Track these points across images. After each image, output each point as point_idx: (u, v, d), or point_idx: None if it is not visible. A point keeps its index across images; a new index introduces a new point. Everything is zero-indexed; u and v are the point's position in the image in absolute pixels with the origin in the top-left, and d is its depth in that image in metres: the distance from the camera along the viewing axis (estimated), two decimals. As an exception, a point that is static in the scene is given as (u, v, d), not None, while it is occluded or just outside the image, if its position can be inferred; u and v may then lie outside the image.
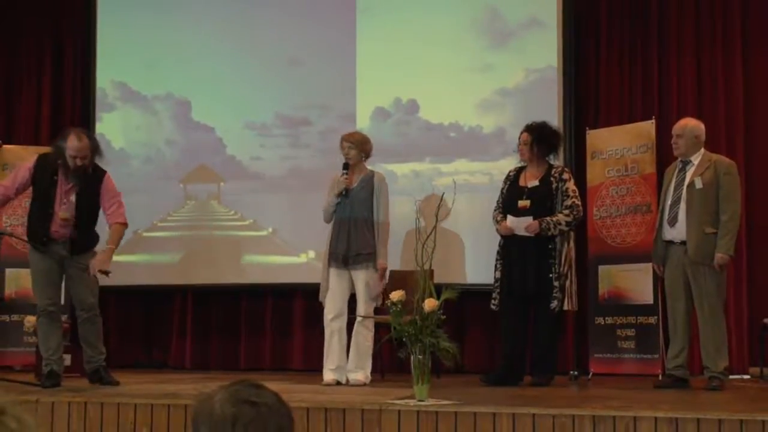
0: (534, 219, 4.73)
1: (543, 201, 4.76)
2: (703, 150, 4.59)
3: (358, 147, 4.87)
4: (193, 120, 6.53)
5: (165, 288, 6.43)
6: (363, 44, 6.16)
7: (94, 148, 4.44)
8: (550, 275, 4.67)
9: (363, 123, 6.11)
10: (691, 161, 4.55)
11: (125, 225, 4.60)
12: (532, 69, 5.85)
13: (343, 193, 4.83)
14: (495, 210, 4.95)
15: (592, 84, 5.95)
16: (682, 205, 4.47)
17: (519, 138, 4.96)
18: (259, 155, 6.40)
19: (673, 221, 4.51)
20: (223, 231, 6.38)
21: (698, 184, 4.44)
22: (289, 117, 6.35)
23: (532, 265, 4.73)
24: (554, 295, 4.67)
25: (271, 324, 6.31)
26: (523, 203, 4.75)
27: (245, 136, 6.42)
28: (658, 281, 5.00)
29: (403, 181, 6.04)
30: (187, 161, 6.51)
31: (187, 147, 6.52)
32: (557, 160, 5.00)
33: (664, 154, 5.24)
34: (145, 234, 6.48)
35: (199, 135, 6.46)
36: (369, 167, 5.03)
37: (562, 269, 4.69)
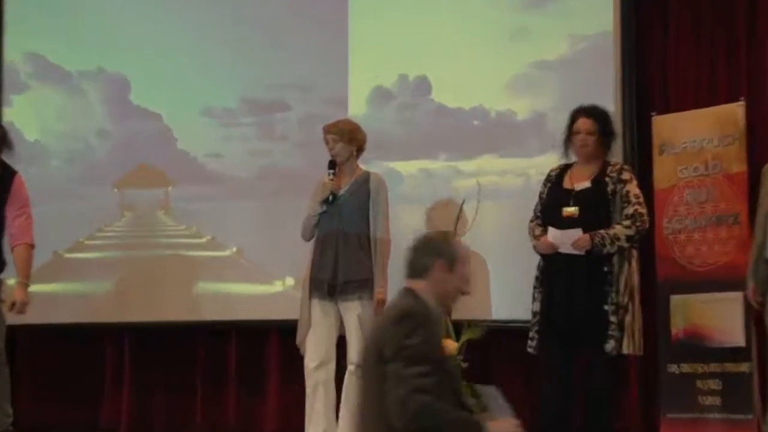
0: (584, 232, 4.67)
1: (596, 208, 4.69)
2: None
3: (346, 139, 4.86)
4: (133, 104, 6.51)
5: (94, 327, 6.39)
6: (357, 4, 6.17)
7: (1, 139, 4.47)
8: (606, 307, 4.60)
9: (357, 108, 6.13)
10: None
11: (33, 246, 4.61)
12: (581, 35, 5.83)
13: (329, 200, 4.82)
14: (532, 221, 4.91)
15: (659, 55, 5.86)
16: (793, 214, 4.69)
17: (572, 125, 4.85)
18: (220, 151, 6.41)
19: (780, 235, 4.74)
20: (171, 251, 6.37)
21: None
22: (259, 101, 6.34)
23: (581, 294, 4.65)
24: (611, 333, 4.59)
25: (235, 374, 6.30)
26: (570, 211, 4.69)
27: (202, 125, 6.42)
28: (752, 315, 4.95)
29: (409, 183, 6.06)
30: (124, 159, 6.48)
31: (125, 140, 6.51)
32: (610, 155, 4.95)
33: (758, 147, 5.21)
34: (67, 255, 6.44)
35: (141, 124, 6.44)
36: (363, 166, 5.03)
37: (621, 299, 4.63)
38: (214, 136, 6.41)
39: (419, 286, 3.16)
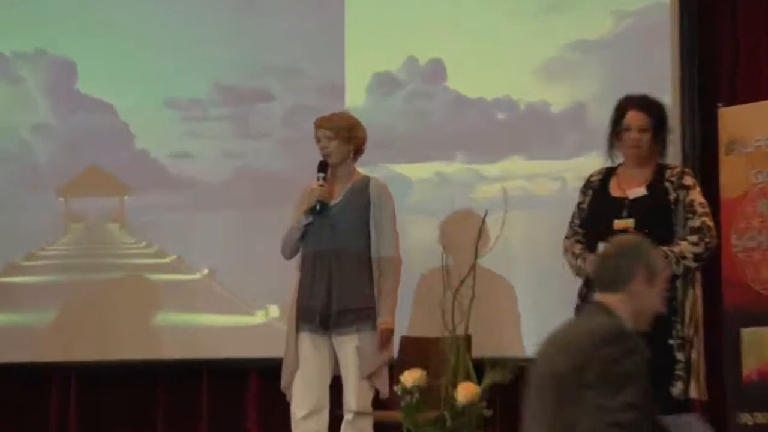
0: (642, 249, 4.83)
1: (656, 220, 4.55)
2: None
3: (342, 136, 4.80)
4: (81, 93, 6.33)
5: (34, 367, 6.19)
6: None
7: None
8: (671, 341, 4.47)
9: (356, 98, 6.02)
10: None
11: None
12: (629, 10, 5.69)
13: (317, 208, 4.75)
14: (568, 237, 4.78)
15: (727, 34, 5.70)
16: None
17: (619, 120, 4.70)
18: (188, 150, 6.24)
19: None
20: (128, 273, 6.23)
21: None
22: (235, 89, 6.18)
23: (638, 326, 4.80)
24: (678, 373, 4.47)
25: (207, 424, 6.10)
26: (624, 223, 4.54)
27: (165, 119, 6.25)
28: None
29: (420, 191, 5.95)
30: (70, 160, 6.30)
31: (71, 137, 6.31)
32: (665, 156, 4.84)
33: None
34: (0, 279, 6.32)
35: (90, 118, 6.26)
36: (361, 170, 4.97)
37: (687, 332, 4.52)
38: (179, 132, 6.24)
39: (614, 300, 3.08)
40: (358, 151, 4.91)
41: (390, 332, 4.73)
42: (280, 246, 4.89)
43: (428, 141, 6.03)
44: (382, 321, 4.68)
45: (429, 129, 6.04)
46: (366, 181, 4.91)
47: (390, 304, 4.73)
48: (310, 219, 4.75)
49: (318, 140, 4.85)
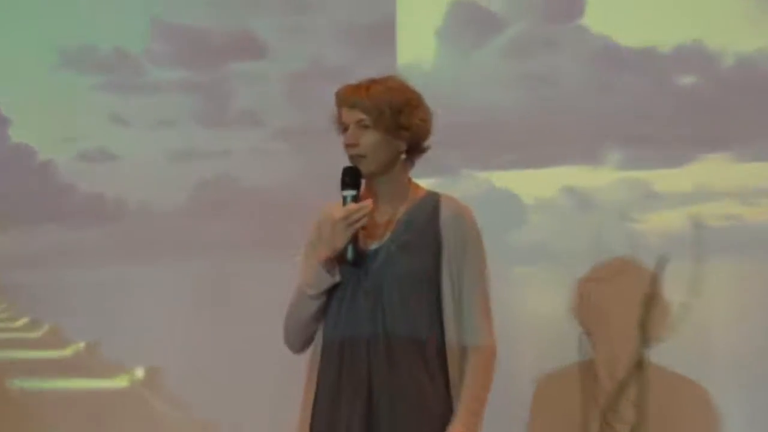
0: None
1: None
2: None
3: (384, 121, 4.21)
4: None
5: None
6: None
7: None
8: None
9: (412, 50, 5.87)
10: None
11: None
12: None
13: (350, 257, 4.08)
14: None
15: None
16: None
17: None
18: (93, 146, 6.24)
19: None
20: None
21: None
22: (180, 30, 6.21)
23: None
24: None
25: None
26: None
27: (53, 94, 6.23)
28: None
29: (536, 219, 5.82)
30: None
31: None
32: None
33: None
34: None
35: None
36: (421, 182, 4.31)
37: None
38: (72, 115, 6.24)
39: None
40: (415, 148, 4.09)
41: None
42: (284, 331, 4.15)
43: (548, 128, 5.67)
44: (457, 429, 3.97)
45: (549, 108, 5.70)
46: (433, 203, 4.14)
47: (472, 411, 3.93)
48: (337, 277, 3.96)
49: (341, 128, 4.06)
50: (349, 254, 3.91)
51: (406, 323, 4.02)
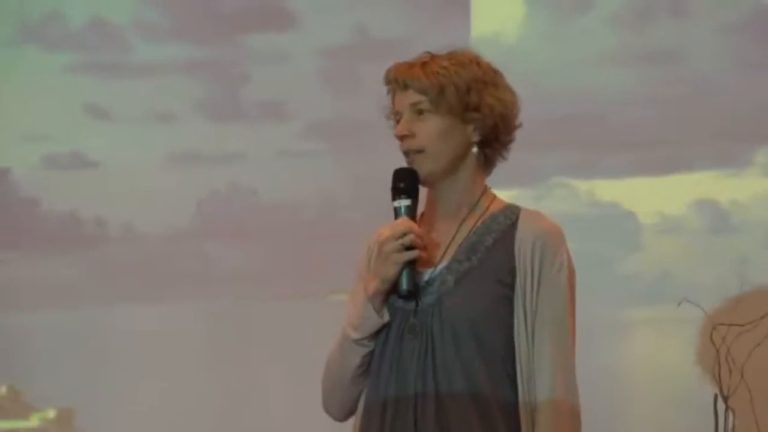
0: None
1: None
2: None
3: (449, 106, 4.02)
4: None
5: None
6: None
7: None
8: None
9: (487, 21, 6.04)
10: None
11: None
12: None
13: (404, 290, 3.91)
14: None
15: None
16: None
17: None
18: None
19: None
20: None
21: None
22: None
23: None
24: None
25: None
26: None
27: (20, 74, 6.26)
28: None
29: (654, 245, 5.83)
30: None
31: None
32: None
33: None
34: None
35: None
36: (500, 194, 4.08)
37: None
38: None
39: None
40: (493, 140, 3.73)
41: None
42: (323, 389, 3.87)
43: (674, 124, 5.68)
44: None
45: (677, 94, 5.71)
46: (510, 220, 3.88)
47: None
48: (386, 317, 3.73)
49: (392, 115, 3.69)
50: (404, 285, 3.77)
51: (463, 378, 3.76)
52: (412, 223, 3.67)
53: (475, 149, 3.73)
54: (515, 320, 3.58)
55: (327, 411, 3.72)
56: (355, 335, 3.71)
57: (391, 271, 3.62)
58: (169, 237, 6.21)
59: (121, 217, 6.16)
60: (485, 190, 3.76)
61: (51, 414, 6.44)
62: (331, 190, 5.89)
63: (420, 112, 3.67)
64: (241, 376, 6.08)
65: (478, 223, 3.77)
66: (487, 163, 3.74)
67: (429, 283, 3.64)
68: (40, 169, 6.16)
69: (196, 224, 6.16)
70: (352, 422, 3.75)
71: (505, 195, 4.13)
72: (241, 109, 6.10)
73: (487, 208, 3.79)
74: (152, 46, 6.12)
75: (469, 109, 3.68)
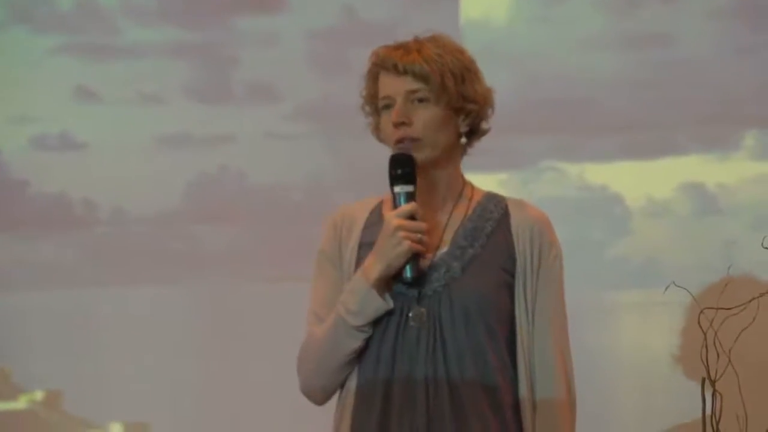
0: None
1: None
2: None
3: (446, 92, 4.08)
4: None
5: None
6: None
7: None
8: None
9: (476, 4, 6.04)
10: None
11: None
12: None
13: (408, 276, 3.98)
14: None
15: None
16: None
17: None
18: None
19: None
20: None
21: None
22: None
23: None
24: None
25: None
26: None
27: None
28: None
29: (647, 231, 5.87)
30: None
31: None
32: None
33: None
34: None
35: None
36: (484, 178, 4.15)
37: None
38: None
39: None
40: (476, 130, 3.82)
41: None
42: (304, 372, 3.80)
43: (662, 107, 5.73)
44: None
45: (665, 77, 5.77)
46: (499, 208, 3.89)
47: None
48: (390, 303, 3.72)
49: (380, 103, 3.71)
50: (408, 272, 3.78)
51: (475, 365, 3.78)
52: (419, 212, 3.88)
53: (463, 139, 3.88)
54: (516, 307, 3.62)
55: (307, 394, 3.75)
56: (355, 321, 3.67)
57: (401, 258, 3.66)
58: (157, 219, 6.21)
59: (110, 199, 6.16)
60: (464, 179, 3.86)
61: (38, 395, 6.68)
62: (320, 172, 5.90)
63: (419, 100, 3.78)
64: (230, 357, 6.12)
65: (469, 211, 3.82)
66: (464, 153, 3.96)
67: (433, 269, 3.79)
68: (28, 150, 6.18)
69: (185, 206, 6.16)
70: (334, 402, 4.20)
71: (493, 179, 4.50)
72: (230, 92, 6.13)
73: (471, 195, 3.88)
74: (141, 28, 6.15)
75: (463, 99, 3.84)
